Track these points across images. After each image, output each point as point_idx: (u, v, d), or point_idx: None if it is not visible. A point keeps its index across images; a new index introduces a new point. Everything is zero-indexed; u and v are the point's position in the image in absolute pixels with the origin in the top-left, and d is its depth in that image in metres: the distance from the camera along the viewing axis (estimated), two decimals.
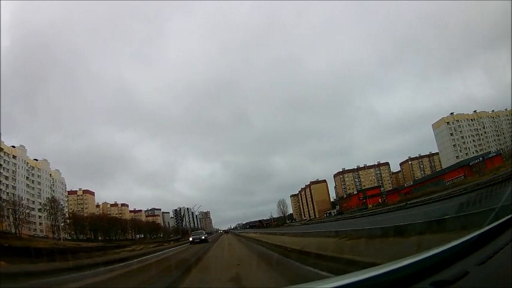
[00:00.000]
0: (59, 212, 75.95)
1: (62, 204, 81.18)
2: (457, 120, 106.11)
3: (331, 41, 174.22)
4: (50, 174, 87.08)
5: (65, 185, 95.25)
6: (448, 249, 2.44)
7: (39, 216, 75.92)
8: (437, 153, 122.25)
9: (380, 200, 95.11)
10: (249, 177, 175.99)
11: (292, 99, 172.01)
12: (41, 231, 75.07)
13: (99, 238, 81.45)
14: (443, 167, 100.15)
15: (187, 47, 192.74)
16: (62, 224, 76.03)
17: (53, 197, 79.89)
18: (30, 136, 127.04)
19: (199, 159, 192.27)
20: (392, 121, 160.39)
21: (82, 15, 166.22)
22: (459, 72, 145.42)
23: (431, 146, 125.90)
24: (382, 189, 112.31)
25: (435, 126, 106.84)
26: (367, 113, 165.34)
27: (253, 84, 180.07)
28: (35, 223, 74.86)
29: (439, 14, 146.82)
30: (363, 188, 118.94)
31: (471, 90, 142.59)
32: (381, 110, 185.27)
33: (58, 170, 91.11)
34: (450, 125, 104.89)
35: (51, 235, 71.53)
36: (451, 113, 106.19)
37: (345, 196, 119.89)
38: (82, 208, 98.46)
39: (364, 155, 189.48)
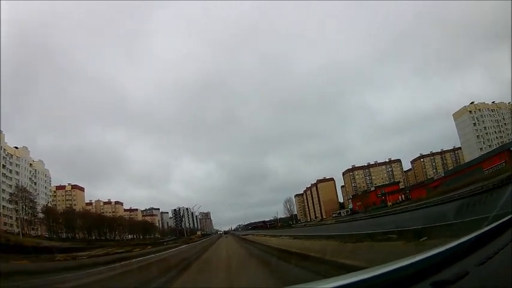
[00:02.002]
0: (30, 204, 65.89)
1: (34, 195, 70.80)
2: (479, 110, 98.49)
3: (326, 38, 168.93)
4: (30, 164, 77.45)
5: (50, 178, 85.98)
6: (448, 249, 2.43)
7: (17, 210, 66.26)
8: (449, 151, 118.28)
9: (400, 196, 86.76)
10: (245, 178, 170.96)
11: (287, 99, 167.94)
12: (18, 226, 65.47)
13: (78, 237, 71.65)
14: (466, 160, 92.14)
15: (177, 46, 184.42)
16: (33, 219, 65.96)
17: (22, 186, 69.43)
18: (23, 135, 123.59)
19: (195, 160, 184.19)
20: (394, 120, 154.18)
21: (69, 13, 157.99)
22: (460, 69, 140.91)
23: (435, 145, 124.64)
24: (400, 185, 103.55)
25: (456, 116, 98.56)
26: (364, 112, 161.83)
27: (246, 83, 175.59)
28: (11, 217, 65.44)
29: (438, 10, 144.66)
30: (375, 185, 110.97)
31: (472, 87, 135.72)
32: (382, 109, 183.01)
33: (41, 161, 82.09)
34: (473, 114, 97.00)
35: (28, 231, 61.89)
36: (472, 102, 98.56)
37: (359, 193, 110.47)
38: (70, 205, 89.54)
39: (366, 153, 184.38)
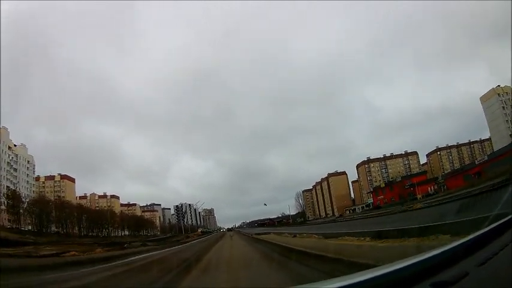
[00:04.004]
0: None
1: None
2: (507, 93, 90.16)
3: (325, 34, 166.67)
4: (9, 147, 68.63)
5: (33, 165, 77.54)
6: (448, 250, 2.44)
7: None
8: (464, 144, 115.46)
9: (430, 188, 77.81)
10: (248, 176, 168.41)
11: (287, 96, 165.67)
12: None
13: (61, 231, 63.06)
14: (495, 147, 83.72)
15: (174, 41, 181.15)
16: None
17: None
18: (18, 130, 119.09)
19: (197, 157, 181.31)
20: (397, 117, 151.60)
21: (64, 8, 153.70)
22: (463, 64, 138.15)
23: (439, 141, 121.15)
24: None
25: (484, 99, 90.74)
26: (366, 108, 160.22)
27: (245, 79, 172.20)
28: None
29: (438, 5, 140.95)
30: (391, 179, 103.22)
31: (475, 83, 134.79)
32: (384, 106, 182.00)
33: (24, 145, 73.93)
34: (501, 98, 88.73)
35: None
36: (498, 85, 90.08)
37: (382, 186, 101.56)
38: (59, 196, 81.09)
39: (369, 150, 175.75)
